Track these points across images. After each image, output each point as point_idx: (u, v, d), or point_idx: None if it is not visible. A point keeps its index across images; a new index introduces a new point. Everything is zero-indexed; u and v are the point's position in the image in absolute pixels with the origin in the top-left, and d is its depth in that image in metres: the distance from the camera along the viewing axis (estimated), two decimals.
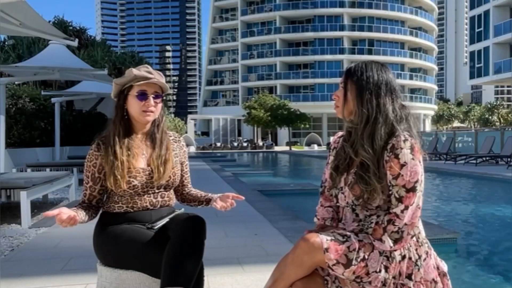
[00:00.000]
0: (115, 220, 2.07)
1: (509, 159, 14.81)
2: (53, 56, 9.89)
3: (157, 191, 2.13)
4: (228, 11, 64.69)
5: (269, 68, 58.84)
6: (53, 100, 13.13)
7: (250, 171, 16.24)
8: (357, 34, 55.92)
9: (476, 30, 37.58)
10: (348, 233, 1.70)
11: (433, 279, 1.73)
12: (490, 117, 72.74)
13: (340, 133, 1.96)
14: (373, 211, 1.74)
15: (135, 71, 2.06)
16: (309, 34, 56.29)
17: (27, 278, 3.36)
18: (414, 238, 1.75)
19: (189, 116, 59.73)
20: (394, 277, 1.67)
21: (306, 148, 42.69)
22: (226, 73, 65.36)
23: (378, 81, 1.75)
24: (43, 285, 3.22)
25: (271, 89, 55.55)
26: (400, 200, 1.68)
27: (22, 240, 4.68)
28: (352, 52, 55.49)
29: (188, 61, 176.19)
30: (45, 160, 12.04)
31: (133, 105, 2.06)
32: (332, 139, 2.03)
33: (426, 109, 60.30)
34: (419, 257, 1.72)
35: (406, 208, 1.67)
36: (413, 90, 59.03)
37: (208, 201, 2.27)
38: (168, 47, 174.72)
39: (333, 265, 1.63)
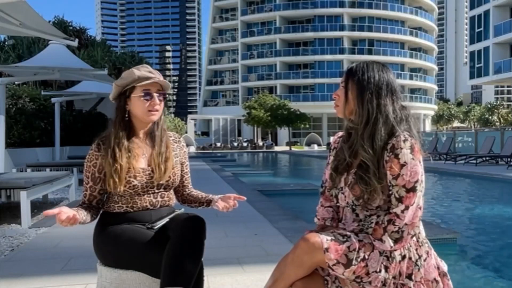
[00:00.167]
0: (115, 220, 2.07)
1: (509, 159, 14.81)
2: (53, 56, 9.89)
3: (157, 191, 2.12)
4: (228, 11, 64.69)
5: (269, 68, 58.85)
6: (53, 100, 13.13)
7: (250, 171, 16.24)
8: (357, 34, 55.93)
9: (476, 30, 37.59)
10: (348, 233, 1.70)
11: (434, 279, 1.73)
12: (490, 117, 72.72)
13: (340, 133, 1.96)
14: (373, 211, 1.75)
15: (136, 72, 2.06)
16: (309, 34, 56.30)
17: (27, 278, 3.36)
18: (414, 238, 1.75)
19: (189, 116, 59.75)
20: (394, 277, 1.67)
21: (306, 148, 42.70)
22: (226, 73, 65.36)
23: (379, 81, 1.76)
24: (43, 285, 3.22)
25: (271, 89, 55.55)
26: (400, 200, 1.68)
27: (22, 240, 4.68)
28: (352, 52, 55.49)
29: (188, 61, 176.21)
30: (45, 160, 12.04)
31: (138, 106, 2.06)
32: (332, 139, 2.03)
33: (426, 109, 60.30)
34: (419, 257, 1.72)
35: (407, 208, 1.67)
36: (413, 90, 59.02)
37: (209, 202, 2.26)
38: (168, 47, 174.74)
39: (333, 265, 1.63)
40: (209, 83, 66.39)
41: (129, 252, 1.97)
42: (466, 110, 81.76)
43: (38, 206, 6.74)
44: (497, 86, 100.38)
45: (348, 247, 1.64)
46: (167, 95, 2.17)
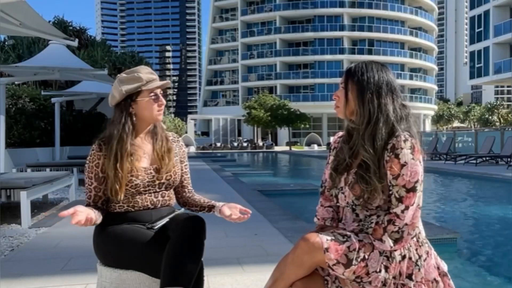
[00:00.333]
0: (115, 220, 2.07)
1: (509, 159, 14.81)
2: (53, 56, 9.88)
3: (158, 190, 2.13)
4: (228, 11, 64.68)
5: (269, 68, 58.84)
6: (53, 100, 13.13)
7: (250, 171, 16.24)
8: (357, 34, 55.92)
9: (476, 30, 37.58)
10: (348, 233, 1.70)
11: (435, 279, 1.73)
12: (490, 117, 72.73)
13: (340, 133, 1.96)
14: (373, 211, 1.75)
15: (142, 75, 2.07)
16: (309, 34, 56.29)
17: (27, 278, 3.36)
18: (414, 238, 1.75)
19: (189, 116, 59.71)
20: (394, 277, 1.67)
21: (306, 148, 42.70)
22: (226, 73, 65.35)
23: (379, 81, 1.76)
24: (43, 285, 3.22)
25: (271, 89, 55.54)
26: (400, 200, 1.68)
27: (22, 240, 4.68)
28: (352, 52, 55.48)
29: (188, 61, 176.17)
30: (45, 160, 12.04)
31: (146, 108, 2.08)
32: (332, 139, 2.03)
33: (426, 109, 60.29)
34: (419, 257, 1.72)
35: (407, 208, 1.67)
36: (413, 90, 59.02)
37: (210, 207, 2.25)
38: (168, 47, 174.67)
39: (333, 265, 1.63)
40: (209, 83, 66.38)
41: (129, 252, 1.98)
42: (466, 110, 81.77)
43: (38, 206, 6.75)
44: (497, 86, 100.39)
45: (348, 247, 1.64)
46: (167, 96, 2.19)
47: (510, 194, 9.62)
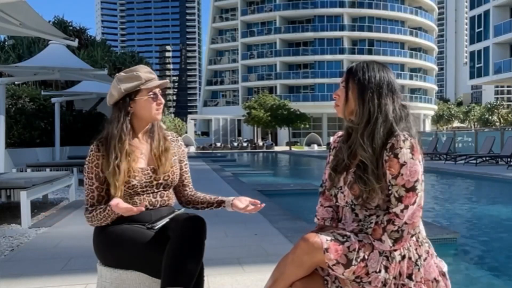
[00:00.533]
0: (115, 220, 2.06)
1: (509, 159, 14.80)
2: (53, 56, 9.89)
3: (156, 190, 2.13)
4: (228, 11, 64.67)
5: (269, 68, 58.82)
6: (53, 100, 13.13)
7: (250, 171, 16.24)
8: (357, 34, 55.91)
9: (476, 30, 37.58)
10: (348, 233, 1.70)
11: (435, 278, 1.73)
12: (490, 117, 72.72)
13: (340, 133, 1.96)
14: (373, 211, 1.75)
15: (141, 74, 2.07)
16: (309, 34, 56.28)
17: (27, 278, 3.36)
18: (414, 238, 1.75)
19: (189, 116, 59.71)
20: (394, 278, 1.67)
21: (306, 148, 42.68)
22: (226, 73, 65.34)
23: (379, 81, 1.76)
24: (43, 285, 3.22)
25: (271, 89, 55.52)
26: (399, 199, 1.68)
27: (22, 240, 4.68)
28: (352, 52, 55.47)
29: (188, 61, 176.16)
30: (45, 160, 12.04)
31: (145, 107, 2.07)
32: (332, 139, 2.03)
33: (426, 109, 60.27)
34: (419, 257, 1.72)
35: (406, 207, 1.67)
36: (413, 90, 59.00)
37: (219, 203, 2.23)
38: (168, 47, 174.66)
39: (333, 265, 1.63)
40: (209, 83, 66.38)
41: (129, 252, 1.97)
42: (466, 110, 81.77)
43: (38, 206, 6.75)
44: (497, 86, 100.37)
45: (348, 247, 1.64)
46: (167, 96, 2.20)
47: (510, 194, 9.62)
